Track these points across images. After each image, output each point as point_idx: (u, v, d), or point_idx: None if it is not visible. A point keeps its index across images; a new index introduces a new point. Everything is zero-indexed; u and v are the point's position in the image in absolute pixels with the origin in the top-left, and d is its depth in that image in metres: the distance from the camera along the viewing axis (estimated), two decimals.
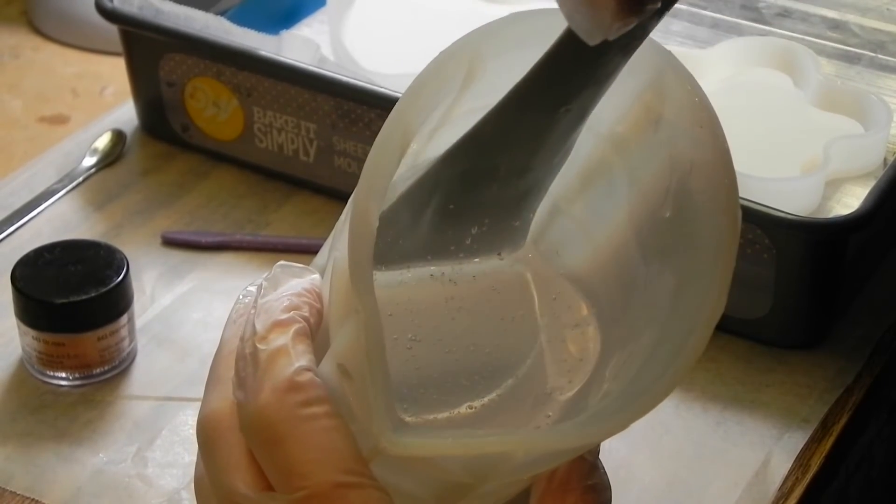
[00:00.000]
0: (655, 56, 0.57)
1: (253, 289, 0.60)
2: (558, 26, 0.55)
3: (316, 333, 0.57)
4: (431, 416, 0.59)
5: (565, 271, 0.62)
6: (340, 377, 0.54)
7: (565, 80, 0.55)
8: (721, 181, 0.55)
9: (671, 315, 0.55)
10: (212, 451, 0.57)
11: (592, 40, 0.51)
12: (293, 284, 0.59)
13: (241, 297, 0.60)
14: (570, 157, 0.60)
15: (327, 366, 0.56)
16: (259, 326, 0.57)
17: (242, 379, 0.56)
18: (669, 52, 0.57)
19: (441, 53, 0.56)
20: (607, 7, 0.49)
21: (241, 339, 0.57)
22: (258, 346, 0.56)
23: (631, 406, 0.52)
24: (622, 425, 0.53)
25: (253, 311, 0.58)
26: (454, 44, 0.57)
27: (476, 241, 0.60)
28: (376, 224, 0.53)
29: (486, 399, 0.60)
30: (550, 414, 0.59)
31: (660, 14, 0.52)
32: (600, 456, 0.57)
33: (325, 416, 0.53)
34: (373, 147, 0.55)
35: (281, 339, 0.56)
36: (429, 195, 0.58)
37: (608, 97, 0.57)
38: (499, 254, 0.61)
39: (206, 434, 0.57)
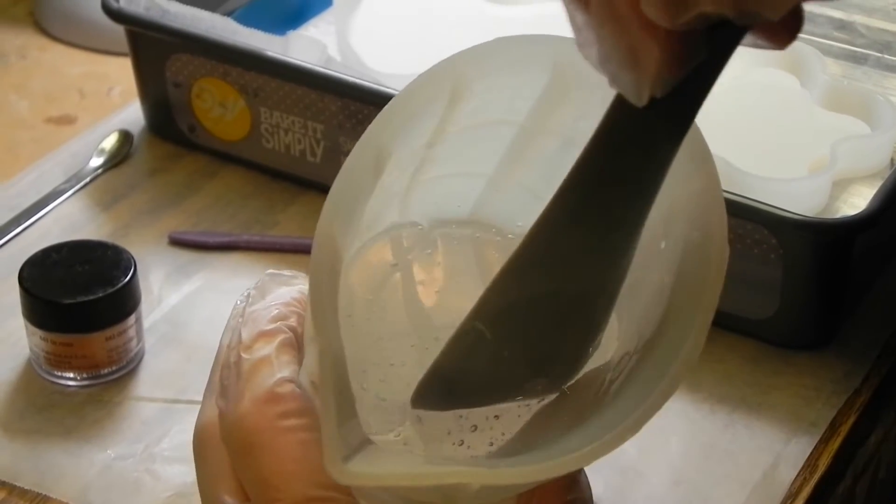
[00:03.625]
0: None
1: (253, 291, 0.60)
2: (544, 52, 0.55)
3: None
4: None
5: None
6: (313, 392, 0.54)
7: (621, 168, 0.52)
8: (710, 215, 0.53)
9: (653, 349, 0.54)
10: (201, 459, 0.58)
11: (640, 100, 0.49)
12: (281, 293, 0.59)
13: (238, 302, 0.60)
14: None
15: (304, 377, 0.56)
16: (245, 336, 0.57)
17: (225, 388, 0.57)
18: None
19: (419, 76, 0.56)
20: (652, 57, 0.47)
21: (228, 347, 0.58)
22: (242, 355, 0.56)
23: (590, 445, 0.51)
24: (580, 463, 0.52)
25: (240, 320, 0.58)
26: (434, 67, 0.57)
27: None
28: (342, 250, 0.53)
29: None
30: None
31: (710, 70, 0.49)
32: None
33: (302, 429, 0.54)
34: (341, 169, 0.55)
35: (265, 350, 0.56)
36: (478, 339, 0.56)
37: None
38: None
39: (197, 443, 0.58)
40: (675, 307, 0.53)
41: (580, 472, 0.58)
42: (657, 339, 0.53)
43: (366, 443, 0.51)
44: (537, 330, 0.55)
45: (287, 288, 0.59)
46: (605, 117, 0.52)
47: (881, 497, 0.87)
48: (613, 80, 0.49)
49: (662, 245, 0.56)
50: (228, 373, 0.57)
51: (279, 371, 0.55)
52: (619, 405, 0.52)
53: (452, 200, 0.62)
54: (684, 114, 0.51)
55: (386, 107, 0.56)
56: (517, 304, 0.55)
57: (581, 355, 0.56)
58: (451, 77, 0.56)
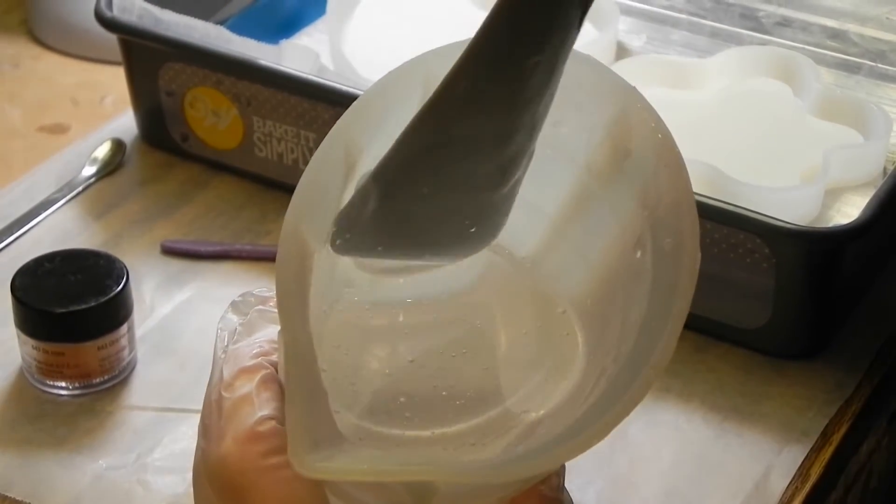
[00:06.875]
0: (620, 91, 0.57)
1: (231, 316, 0.60)
2: None
3: None
4: (400, 432, 0.59)
5: (567, 297, 0.61)
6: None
7: (528, 26, 0.52)
8: (683, 223, 0.54)
9: (629, 357, 0.54)
10: (195, 496, 0.58)
11: None
12: (268, 332, 0.58)
13: (219, 330, 0.60)
14: (557, 182, 0.59)
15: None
16: (226, 373, 0.57)
17: (207, 427, 0.56)
18: (634, 88, 0.56)
19: (389, 73, 0.56)
20: None
21: (210, 384, 0.57)
22: (223, 393, 0.56)
23: (559, 447, 0.51)
24: (547, 465, 0.52)
25: (223, 357, 0.58)
26: (404, 64, 0.57)
27: (450, 234, 0.58)
28: (310, 245, 0.53)
29: (462, 425, 0.59)
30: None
31: None
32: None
33: (285, 466, 0.52)
34: (309, 163, 0.54)
35: (246, 387, 0.56)
36: (397, 177, 0.55)
37: (582, 128, 0.57)
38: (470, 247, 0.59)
39: (193, 480, 0.58)
40: (649, 314, 0.53)
41: (562, 489, 0.57)
42: (634, 345, 0.53)
43: (339, 439, 0.51)
44: (450, 175, 0.55)
45: (276, 326, 0.59)
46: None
47: None
48: None
49: (638, 255, 0.56)
50: (209, 411, 0.56)
51: (260, 409, 0.55)
52: (590, 411, 0.52)
53: None
54: None
55: (355, 102, 0.56)
56: (432, 147, 0.54)
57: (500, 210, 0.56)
58: (422, 73, 0.56)
